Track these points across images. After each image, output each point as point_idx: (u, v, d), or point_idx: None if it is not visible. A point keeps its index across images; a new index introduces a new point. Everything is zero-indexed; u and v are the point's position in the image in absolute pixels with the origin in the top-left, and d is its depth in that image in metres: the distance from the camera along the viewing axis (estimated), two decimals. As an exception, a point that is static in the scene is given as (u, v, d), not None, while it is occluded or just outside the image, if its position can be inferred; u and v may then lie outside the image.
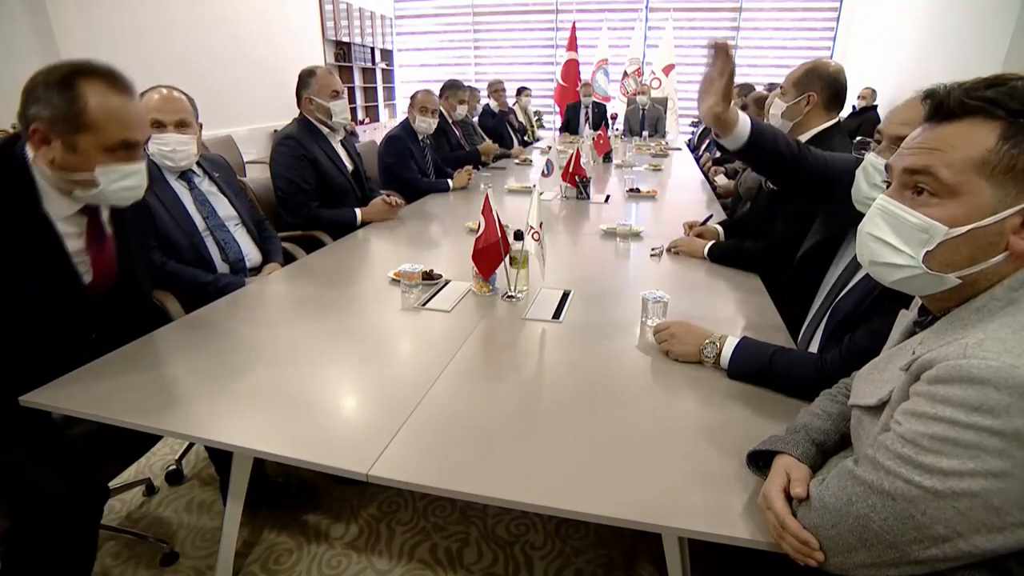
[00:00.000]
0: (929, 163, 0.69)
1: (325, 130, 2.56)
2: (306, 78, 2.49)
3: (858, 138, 1.37)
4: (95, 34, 3.95)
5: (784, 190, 1.80)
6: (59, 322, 1.22)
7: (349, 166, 2.70)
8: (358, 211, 2.54)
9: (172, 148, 1.75)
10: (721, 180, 3.69)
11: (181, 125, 1.75)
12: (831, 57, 7.64)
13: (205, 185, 1.92)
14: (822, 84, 1.85)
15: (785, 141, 1.42)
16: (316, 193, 2.51)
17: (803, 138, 1.90)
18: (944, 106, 0.69)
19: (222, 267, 1.89)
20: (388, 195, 2.66)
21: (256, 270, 1.98)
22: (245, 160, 5.21)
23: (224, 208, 1.94)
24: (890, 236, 0.73)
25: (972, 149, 0.66)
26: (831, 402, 0.94)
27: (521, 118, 6.13)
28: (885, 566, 0.65)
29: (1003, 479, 0.58)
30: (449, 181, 3.39)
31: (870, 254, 0.77)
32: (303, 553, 1.56)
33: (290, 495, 1.73)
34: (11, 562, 1.12)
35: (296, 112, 2.56)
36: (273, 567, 1.52)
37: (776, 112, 1.96)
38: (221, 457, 1.57)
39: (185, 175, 1.86)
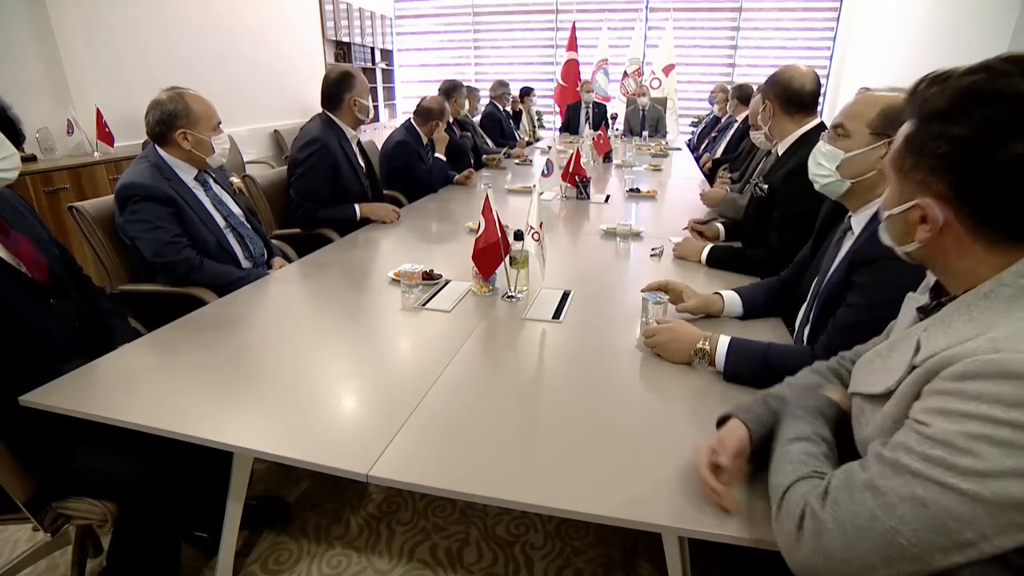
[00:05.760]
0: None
1: (350, 132, 2.57)
2: (348, 79, 2.49)
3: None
4: (95, 34, 3.94)
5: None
6: (39, 316, 1.22)
7: (362, 164, 2.73)
8: (357, 207, 2.53)
9: (222, 147, 1.86)
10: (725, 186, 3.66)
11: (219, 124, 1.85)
12: (831, 57, 7.65)
13: (213, 185, 1.94)
14: (775, 92, 1.92)
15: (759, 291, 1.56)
16: (328, 198, 2.51)
17: (784, 145, 1.95)
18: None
19: (245, 263, 1.92)
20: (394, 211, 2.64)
21: (267, 265, 2.02)
22: (245, 160, 5.20)
23: (234, 207, 1.98)
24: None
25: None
26: (809, 372, 0.97)
27: (523, 119, 6.11)
28: None
29: None
30: (453, 173, 3.46)
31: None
32: (303, 553, 1.56)
33: (262, 516, 1.64)
34: (120, 545, 1.25)
35: (315, 111, 2.57)
36: (273, 567, 1.52)
37: (759, 136, 2.24)
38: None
39: (199, 176, 1.88)
